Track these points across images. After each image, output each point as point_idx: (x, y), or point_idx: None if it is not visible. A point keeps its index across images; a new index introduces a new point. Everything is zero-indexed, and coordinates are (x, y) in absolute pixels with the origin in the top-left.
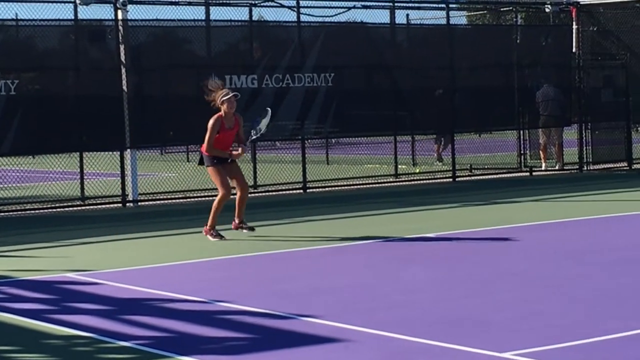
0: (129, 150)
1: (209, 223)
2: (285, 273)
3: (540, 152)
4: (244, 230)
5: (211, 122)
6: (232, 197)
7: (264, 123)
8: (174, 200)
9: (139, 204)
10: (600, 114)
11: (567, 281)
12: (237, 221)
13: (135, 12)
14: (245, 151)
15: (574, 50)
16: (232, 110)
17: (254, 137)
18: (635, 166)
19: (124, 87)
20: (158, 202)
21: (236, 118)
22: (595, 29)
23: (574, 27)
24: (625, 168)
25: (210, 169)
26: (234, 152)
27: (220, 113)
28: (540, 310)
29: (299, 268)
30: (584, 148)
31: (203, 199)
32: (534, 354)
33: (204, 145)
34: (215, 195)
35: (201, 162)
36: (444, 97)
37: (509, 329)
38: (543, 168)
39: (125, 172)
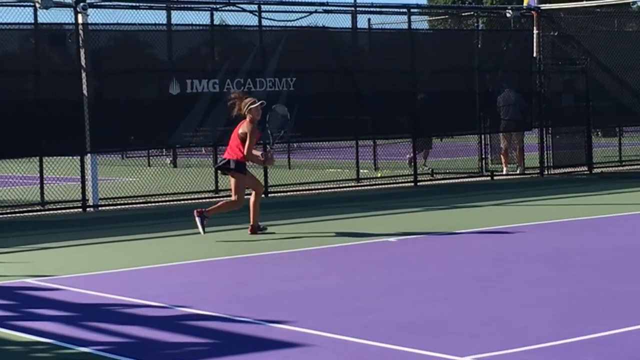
0: (89, 154)
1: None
2: (246, 278)
3: (502, 156)
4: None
5: (248, 128)
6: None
7: (282, 117)
8: (134, 205)
9: (100, 208)
10: (561, 118)
11: (528, 285)
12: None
13: (96, 16)
14: (273, 161)
15: (534, 55)
16: (258, 117)
17: (278, 138)
18: (595, 170)
19: (85, 92)
20: (119, 207)
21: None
22: (556, 33)
23: (535, 32)
24: (585, 172)
25: (242, 176)
26: (267, 159)
27: (248, 120)
28: (501, 314)
29: (261, 273)
30: (545, 152)
31: (164, 203)
32: (493, 358)
33: (241, 152)
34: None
35: (229, 169)
36: (405, 102)
37: (469, 333)
38: (504, 172)
39: (86, 177)
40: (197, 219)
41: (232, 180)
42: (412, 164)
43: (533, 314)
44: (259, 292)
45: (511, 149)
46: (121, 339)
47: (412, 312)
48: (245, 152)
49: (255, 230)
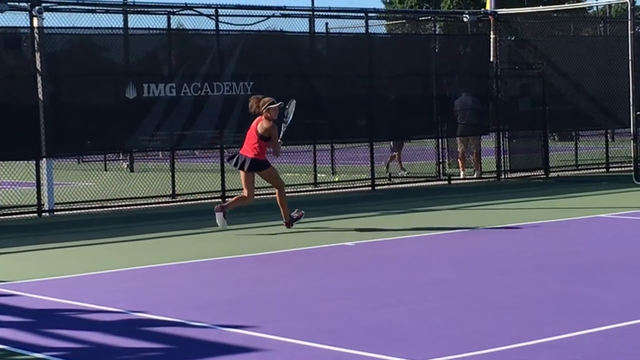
0: (44, 159)
1: (285, 215)
2: (202, 283)
3: (459, 160)
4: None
5: (270, 126)
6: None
7: (290, 111)
8: (91, 210)
9: (55, 213)
10: (518, 122)
11: (486, 289)
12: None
13: (52, 20)
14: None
15: (491, 59)
16: (275, 117)
17: (285, 128)
18: (551, 174)
19: (40, 95)
20: (75, 211)
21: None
22: (512, 38)
23: (492, 36)
24: (542, 176)
25: (271, 168)
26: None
27: (266, 118)
28: (459, 318)
29: (217, 278)
30: (502, 156)
31: (121, 208)
32: None
33: (257, 150)
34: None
35: (257, 168)
36: (362, 106)
37: (427, 337)
38: (461, 176)
39: (41, 182)
40: (218, 214)
41: (243, 176)
42: (387, 166)
43: (491, 318)
44: (216, 297)
45: (468, 153)
46: (76, 345)
47: (370, 316)
48: (274, 150)
49: (291, 223)
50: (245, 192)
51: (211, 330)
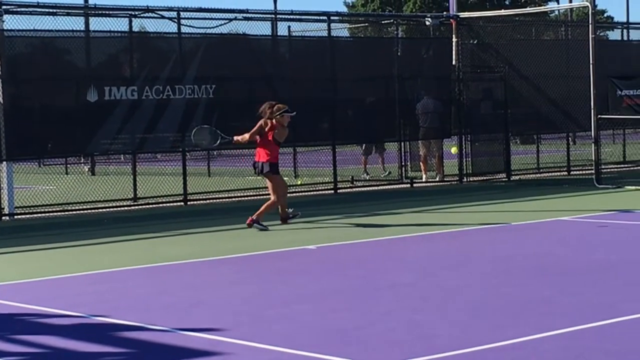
0: (4, 162)
1: (256, 215)
2: (163, 286)
3: (421, 163)
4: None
5: (286, 131)
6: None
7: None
8: (52, 214)
9: (16, 217)
10: (480, 126)
11: (444, 292)
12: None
13: (12, 22)
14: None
15: (453, 62)
16: (284, 124)
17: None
18: (513, 177)
19: (0, 98)
20: (36, 215)
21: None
22: (474, 42)
23: (454, 40)
24: (503, 179)
25: (279, 176)
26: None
27: (278, 123)
28: (418, 321)
29: (176, 281)
30: (464, 160)
31: (82, 212)
32: None
33: (269, 156)
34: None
35: (269, 172)
36: (325, 109)
37: (386, 340)
38: (424, 180)
39: (1, 185)
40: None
41: (268, 182)
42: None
43: (449, 321)
44: (175, 301)
45: (430, 156)
46: (35, 349)
47: (330, 320)
48: (276, 154)
49: (257, 223)
50: (273, 197)
51: (172, 334)
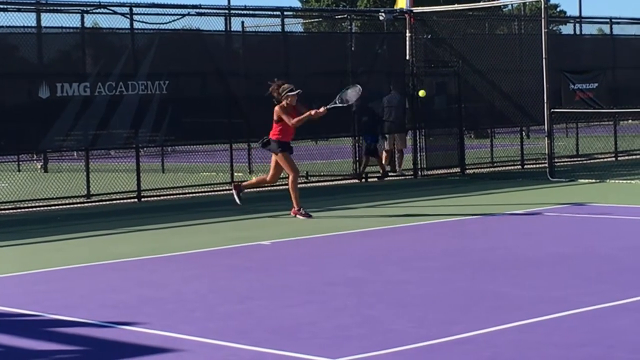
0: None
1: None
2: (117, 283)
3: (383, 157)
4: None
5: (279, 109)
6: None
7: (351, 95)
8: (3, 212)
9: None
10: (434, 120)
11: (395, 287)
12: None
13: None
14: (325, 112)
15: (407, 57)
16: (293, 104)
17: (337, 104)
18: (467, 172)
19: None
20: None
21: (296, 108)
22: (428, 36)
23: (408, 34)
24: (458, 174)
25: (281, 154)
26: (318, 111)
27: (282, 104)
28: (372, 316)
29: (131, 278)
30: (419, 154)
31: (34, 209)
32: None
33: (277, 134)
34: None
35: (268, 147)
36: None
37: (341, 335)
38: (381, 173)
39: None
40: (299, 217)
41: (272, 159)
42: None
43: (400, 316)
44: (129, 298)
45: (396, 150)
46: None
47: (283, 315)
48: (291, 123)
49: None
50: (291, 174)
51: (127, 331)
